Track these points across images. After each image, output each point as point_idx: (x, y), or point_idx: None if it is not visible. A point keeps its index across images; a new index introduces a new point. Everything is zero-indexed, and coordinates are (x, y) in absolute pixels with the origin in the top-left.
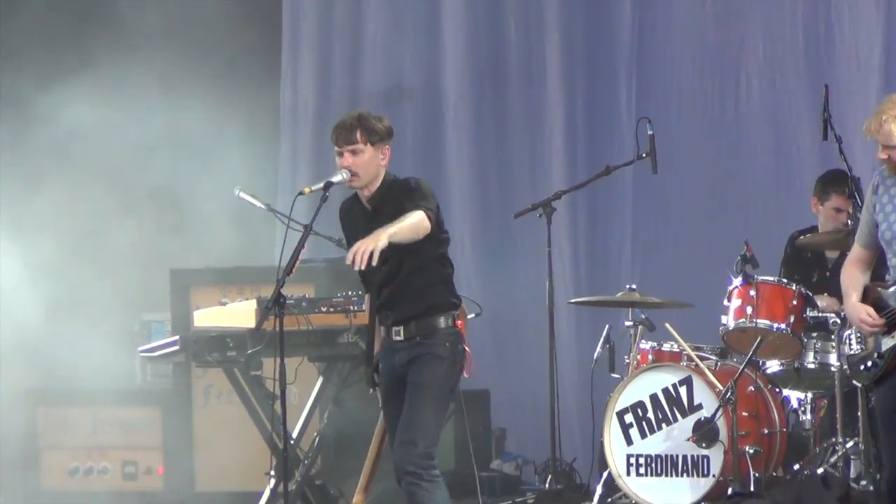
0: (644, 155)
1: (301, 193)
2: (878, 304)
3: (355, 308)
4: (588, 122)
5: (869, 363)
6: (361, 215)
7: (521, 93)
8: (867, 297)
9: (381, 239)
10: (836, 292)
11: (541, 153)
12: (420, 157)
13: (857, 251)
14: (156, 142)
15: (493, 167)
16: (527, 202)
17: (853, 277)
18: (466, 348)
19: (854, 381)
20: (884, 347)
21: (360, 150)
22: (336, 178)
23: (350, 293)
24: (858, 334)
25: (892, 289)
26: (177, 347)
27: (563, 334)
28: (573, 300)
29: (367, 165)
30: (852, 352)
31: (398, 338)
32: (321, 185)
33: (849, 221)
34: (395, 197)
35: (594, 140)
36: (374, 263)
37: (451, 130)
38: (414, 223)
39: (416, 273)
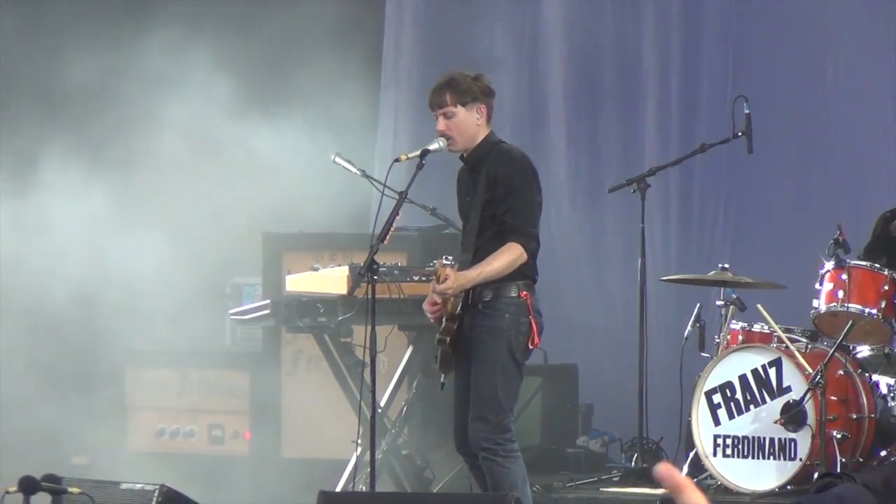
0: (740, 133)
1: (397, 160)
2: None
3: None
4: (683, 98)
5: None
6: (465, 175)
7: (615, 68)
8: None
9: (465, 283)
10: None
11: (635, 129)
12: (515, 129)
13: None
14: (250, 106)
15: (585, 142)
16: (620, 178)
17: None
18: (533, 320)
19: None
20: None
21: (452, 112)
22: (432, 146)
23: None
24: None
25: None
26: (267, 311)
27: (653, 312)
28: (665, 278)
29: (461, 127)
30: None
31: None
32: (417, 152)
33: None
34: (492, 161)
35: (689, 116)
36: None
37: (544, 102)
38: (510, 262)
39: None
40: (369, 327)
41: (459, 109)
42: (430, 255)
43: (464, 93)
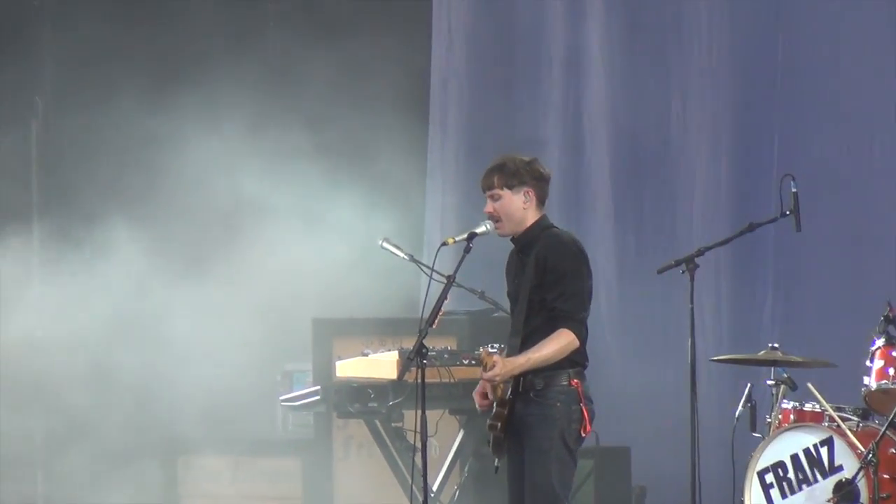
0: (788, 212)
1: (444, 244)
2: None
3: None
4: (730, 177)
5: None
6: (514, 256)
7: (661, 147)
8: None
9: (513, 370)
10: None
11: (682, 209)
12: (560, 209)
13: None
14: (302, 189)
15: (631, 222)
16: (668, 258)
17: None
18: (584, 408)
19: None
20: None
21: (499, 195)
22: (480, 229)
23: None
24: None
25: None
26: (318, 397)
27: (704, 392)
28: (715, 358)
29: (507, 210)
30: None
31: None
32: (465, 235)
33: None
34: (541, 246)
35: (737, 196)
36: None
37: (588, 182)
38: (560, 349)
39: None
40: (420, 412)
41: (506, 192)
42: (480, 339)
43: (511, 175)
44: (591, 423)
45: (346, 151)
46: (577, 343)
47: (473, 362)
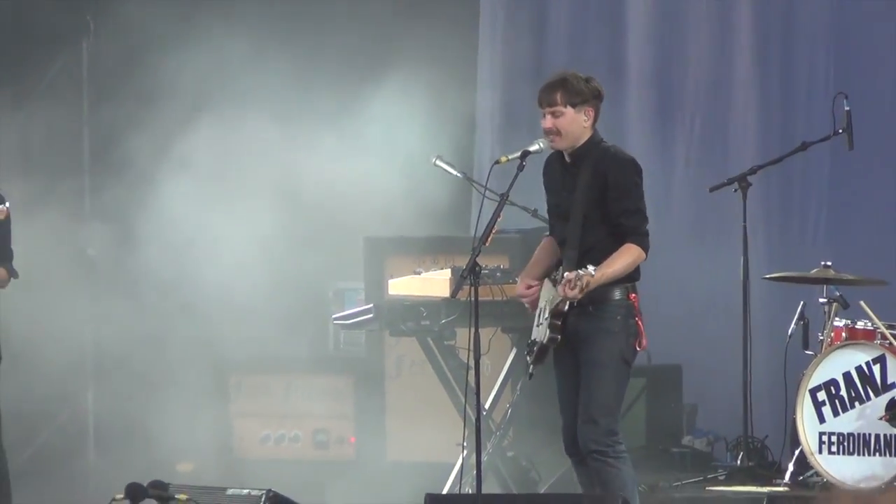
0: (840, 130)
1: (497, 163)
2: None
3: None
4: (783, 96)
5: None
6: (560, 168)
7: (713, 66)
8: None
9: (591, 285)
10: None
11: (735, 128)
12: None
13: None
14: (350, 109)
15: (682, 142)
16: (720, 177)
17: None
18: (639, 322)
19: None
20: None
21: (561, 112)
22: (533, 147)
23: None
24: None
25: None
26: (370, 315)
27: (756, 310)
28: (767, 276)
29: (568, 128)
30: None
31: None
32: (518, 154)
33: None
34: (598, 161)
35: (789, 115)
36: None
37: (638, 106)
38: (631, 263)
39: (611, 244)
40: (472, 330)
41: (569, 110)
42: (531, 258)
43: (575, 93)
44: (644, 337)
45: (395, 69)
46: (643, 257)
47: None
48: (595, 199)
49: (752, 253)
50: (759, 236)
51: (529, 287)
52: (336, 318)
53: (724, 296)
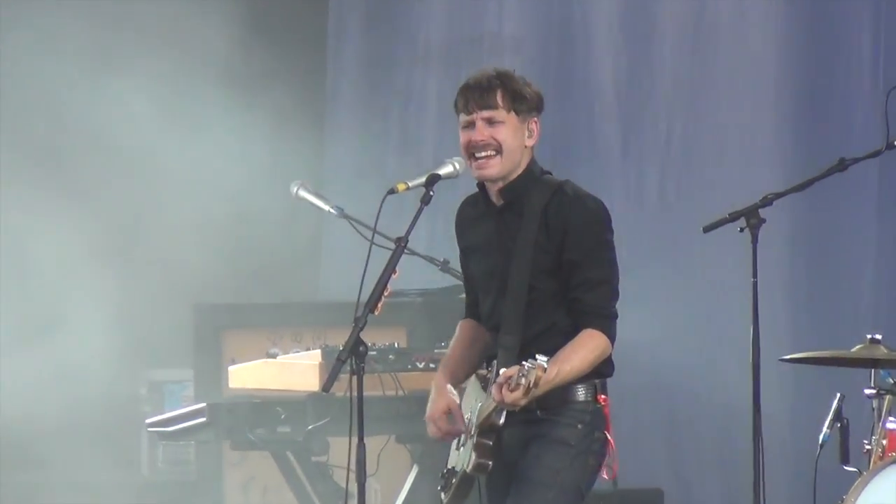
0: None
1: (392, 192)
2: None
3: None
4: (812, 96)
5: None
6: (486, 214)
7: (725, 52)
8: None
9: (540, 383)
10: None
11: (746, 140)
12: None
13: None
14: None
15: (655, 158)
16: (718, 210)
17: None
18: (609, 437)
19: None
20: None
21: (501, 118)
22: (444, 170)
23: None
24: None
25: None
26: (203, 419)
27: (772, 406)
28: (787, 357)
29: (511, 143)
30: None
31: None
32: (422, 179)
33: None
34: (550, 207)
35: (821, 121)
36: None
37: (589, 101)
38: (596, 358)
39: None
40: (355, 439)
41: (512, 117)
42: (439, 332)
43: (520, 97)
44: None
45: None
46: (609, 349)
47: (431, 365)
48: (546, 264)
49: (767, 324)
50: (776, 299)
51: (449, 411)
52: (151, 425)
53: (722, 386)
